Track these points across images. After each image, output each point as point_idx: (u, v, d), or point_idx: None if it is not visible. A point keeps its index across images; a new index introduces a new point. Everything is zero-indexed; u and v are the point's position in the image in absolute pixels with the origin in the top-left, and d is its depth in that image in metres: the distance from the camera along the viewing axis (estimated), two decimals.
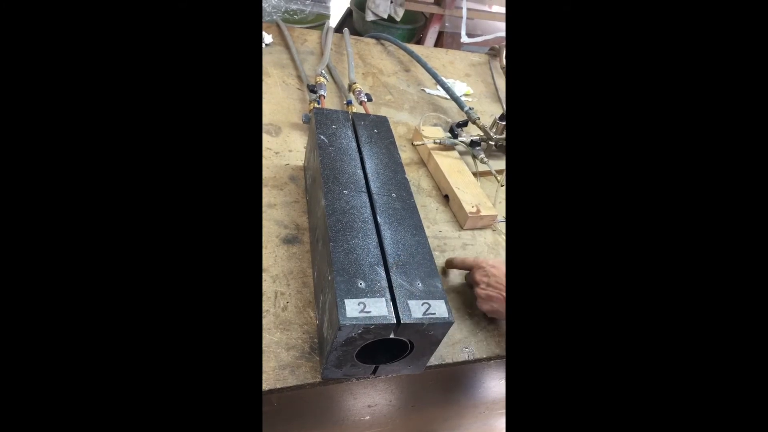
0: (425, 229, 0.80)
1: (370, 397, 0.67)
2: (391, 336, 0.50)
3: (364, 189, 0.64)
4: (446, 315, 0.51)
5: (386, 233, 0.59)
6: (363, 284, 0.52)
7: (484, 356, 0.63)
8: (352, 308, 0.49)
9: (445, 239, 0.79)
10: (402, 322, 0.49)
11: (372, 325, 0.48)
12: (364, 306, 0.50)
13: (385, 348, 0.53)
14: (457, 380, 0.72)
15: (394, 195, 0.65)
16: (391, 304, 0.51)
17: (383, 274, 0.54)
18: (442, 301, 0.52)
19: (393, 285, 0.53)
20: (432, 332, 0.52)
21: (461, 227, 0.82)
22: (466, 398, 0.78)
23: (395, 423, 0.76)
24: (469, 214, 0.80)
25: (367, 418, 0.71)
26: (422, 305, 0.51)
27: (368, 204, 0.62)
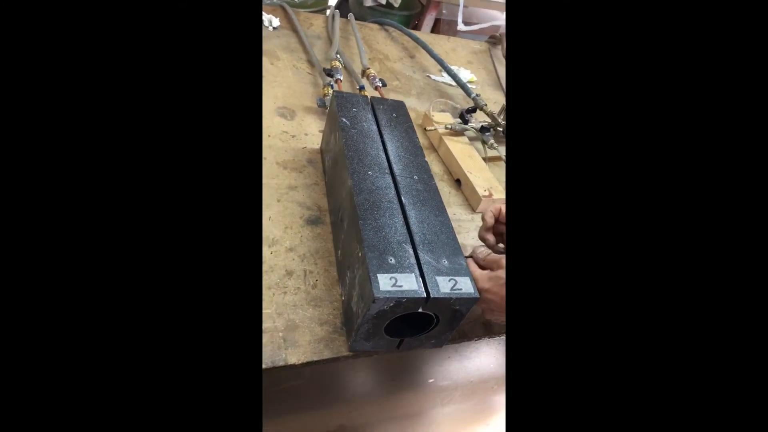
0: None
1: (394, 371, 0.70)
2: (420, 310, 0.53)
3: (387, 171, 0.66)
4: (472, 290, 0.54)
5: (411, 213, 0.61)
6: (393, 260, 0.54)
7: (503, 332, 0.66)
8: (384, 282, 0.51)
9: (459, 221, 0.82)
10: (431, 296, 0.52)
11: (404, 298, 0.51)
12: (396, 281, 0.52)
13: (410, 323, 0.56)
14: (473, 356, 0.75)
15: (416, 177, 0.67)
16: (420, 279, 0.53)
17: (411, 251, 0.56)
18: (467, 277, 0.55)
19: (421, 262, 0.55)
20: (458, 307, 0.54)
21: (473, 210, 0.85)
22: (478, 374, 0.81)
23: (411, 395, 0.79)
24: (483, 197, 0.82)
25: (386, 390, 0.74)
26: (449, 281, 0.54)
27: (392, 185, 0.64)
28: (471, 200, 0.86)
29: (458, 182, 0.89)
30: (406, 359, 0.68)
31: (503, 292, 0.54)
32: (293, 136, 0.85)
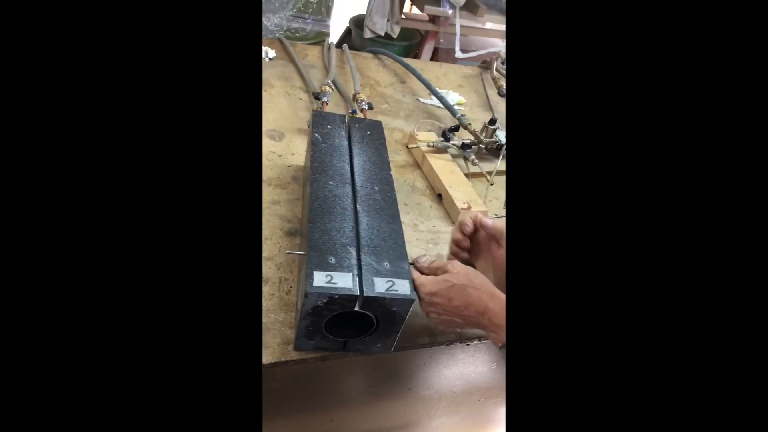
0: (419, 224, 0.86)
1: (371, 377, 0.72)
2: (356, 309, 0.53)
3: (348, 181, 0.69)
4: (408, 292, 0.54)
5: (363, 219, 0.62)
6: (333, 260, 0.55)
7: (475, 336, 0.68)
8: (319, 279, 0.52)
9: (438, 233, 0.84)
10: (365, 294, 0.52)
11: (336, 295, 0.51)
12: (331, 278, 0.53)
13: (352, 324, 0.56)
14: (450, 363, 0.76)
15: (376, 188, 0.69)
16: (357, 279, 0.54)
17: (354, 253, 0.57)
18: (407, 280, 0.55)
19: (362, 263, 0.56)
20: (395, 308, 0.54)
21: (453, 223, 0.87)
22: (460, 383, 0.82)
23: (393, 405, 0.80)
24: (461, 209, 0.85)
25: (366, 398, 0.76)
26: (386, 282, 0.54)
27: (350, 194, 0.66)
28: (451, 213, 0.89)
29: (440, 197, 0.92)
30: (380, 365, 0.70)
31: (451, 294, 0.55)
32: (280, 156, 0.91)
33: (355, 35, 2.17)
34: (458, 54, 1.99)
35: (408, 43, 2.14)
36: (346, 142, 0.77)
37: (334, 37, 2.09)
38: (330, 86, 1.07)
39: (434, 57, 2.18)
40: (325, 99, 0.99)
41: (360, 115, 1.02)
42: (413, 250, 0.77)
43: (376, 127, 0.83)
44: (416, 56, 2.19)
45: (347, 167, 0.72)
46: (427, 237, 0.83)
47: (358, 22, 2.14)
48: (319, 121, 0.79)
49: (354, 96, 1.09)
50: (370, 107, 1.03)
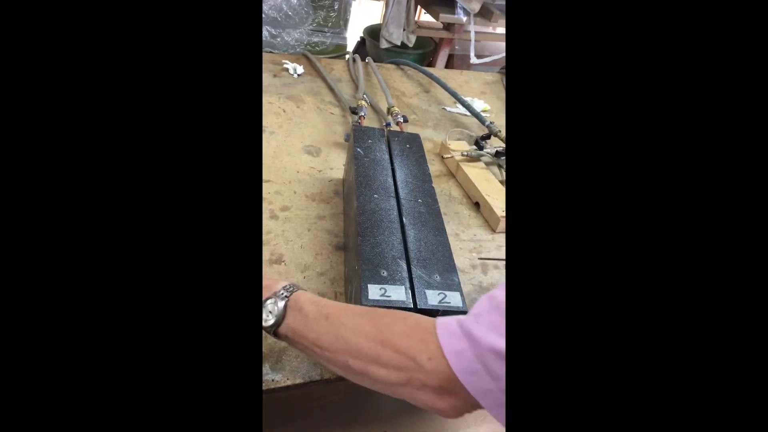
0: (461, 233, 0.87)
1: None
2: None
3: (393, 194, 0.70)
4: (460, 304, 0.55)
5: (410, 232, 0.64)
6: (385, 273, 0.56)
7: None
8: (374, 292, 0.53)
9: (479, 242, 0.86)
10: (418, 307, 0.53)
11: (391, 307, 0.52)
12: (385, 291, 0.54)
13: None
14: None
15: (420, 201, 0.70)
16: (409, 291, 0.55)
17: (405, 266, 0.58)
18: (458, 293, 0.56)
19: (413, 276, 0.57)
20: None
21: (493, 230, 0.88)
22: None
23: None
24: (500, 217, 0.86)
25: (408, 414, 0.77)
26: (438, 294, 0.55)
27: (396, 207, 0.68)
28: (490, 221, 0.90)
29: (477, 205, 0.93)
30: None
31: None
32: (320, 171, 0.92)
33: (369, 45, 2.20)
34: (473, 60, 2.01)
35: (422, 51, 2.16)
36: (387, 156, 0.78)
37: (349, 47, 2.12)
38: (365, 100, 1.08)
39: (449, 64, 2.20)
40: (362, 113, 1.01)
41: (396, 128, 1.03)
42: (458, 260, 0.78)
43: (415, 141, 0.85)
44: (431, 64, 2.21)
45: (390, 180, 0.73)
46: (470, 246, 0.84)
47: (371, 33, 2.17)
48: (360, 135, 0.81)
49: (389, 109, 1.11)
50: (405, 120, 1.05)
